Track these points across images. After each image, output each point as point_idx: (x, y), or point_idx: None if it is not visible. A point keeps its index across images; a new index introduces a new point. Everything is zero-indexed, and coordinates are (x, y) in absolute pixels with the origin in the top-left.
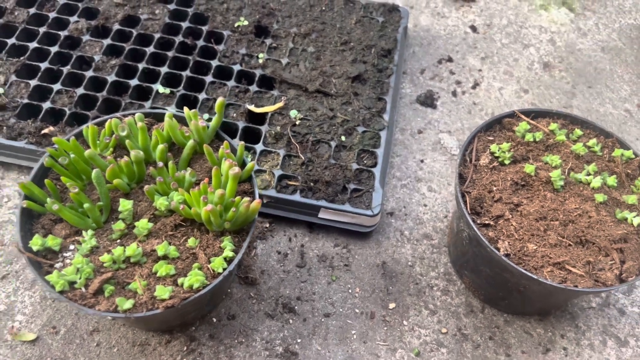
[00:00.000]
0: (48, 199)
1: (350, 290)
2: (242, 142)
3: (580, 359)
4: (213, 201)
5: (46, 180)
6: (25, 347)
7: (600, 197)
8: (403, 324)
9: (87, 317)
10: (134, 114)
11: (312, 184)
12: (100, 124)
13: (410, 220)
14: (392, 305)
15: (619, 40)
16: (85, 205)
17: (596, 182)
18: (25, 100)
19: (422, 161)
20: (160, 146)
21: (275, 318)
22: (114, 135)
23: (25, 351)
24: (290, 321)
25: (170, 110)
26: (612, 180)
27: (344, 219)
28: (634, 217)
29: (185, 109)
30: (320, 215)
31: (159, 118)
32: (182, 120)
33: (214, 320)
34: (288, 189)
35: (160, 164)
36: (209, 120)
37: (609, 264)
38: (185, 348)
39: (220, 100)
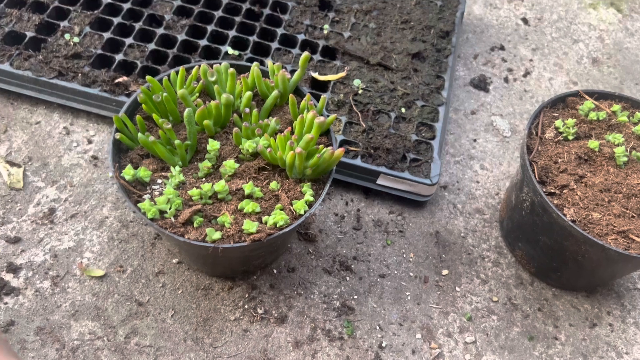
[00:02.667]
0: (139, 134)
1: (404, 255)
2: (325, 95)
3: (625, 335)
4: (301, 145)
5: (138, 117)
6: (93, 282)
7: None
8: (455, 290)
9: (153, 259)
10: (220, 63)
11: (372, 150)
12: (188, 70)
13: (462, 195)
14: (445, 272)
15: None
16: (176, 142)
17: None
18: (99, 51)
19: (474, 140)
20: (248, 93)
21: (333, 274)
22: (201, 81)
23: (93, 286)
24: (347, 278)
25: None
26: None
27: (401, 186)
28: None
29: (269, 62)
30: (379, 181)
31: (241, 70)
32: (263, 74)
33: (275, 271)
34: (349, 154)
35: (247, 109)
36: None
37: None
38: (247, 295)
39: (305, 54)
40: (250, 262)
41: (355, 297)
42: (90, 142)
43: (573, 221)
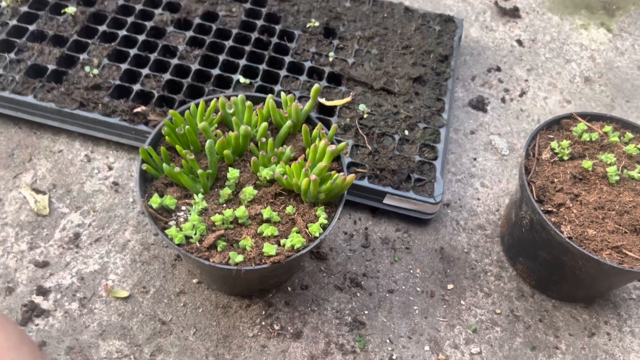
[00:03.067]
0: (164, 165)
1: (411, 271)
2: (335, 124)
3: (622, 344)
4: (315, 172)
5: (162, 148)
6: (118, 303)
7: None
8: (460, 304)
9: (174, 279)
10: (236, 96)
11: (378, 171)
12: (206, 103)
13: (465, 212)
14: (450, 286)
15: None
16: (199, 171)
17: None
18: (117, 82)
19: (475, 159)
20: (264, 124)
21: (344, 291)
22: (219, 113)
23: (118, 307)
24: (358, 294)
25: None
26: None
27: (407, 205)
28: None
29: (282, 94)
30: (385, 200)
31: (255, 101)
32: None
33: (289, 289)
34: (357, 175)
35: (264, 139)
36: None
37: None
38: (263, 312)
39: (316, 86)
40: (267, 281)
41: (366, 312)
42: (110, 168)
43: (570, 238)
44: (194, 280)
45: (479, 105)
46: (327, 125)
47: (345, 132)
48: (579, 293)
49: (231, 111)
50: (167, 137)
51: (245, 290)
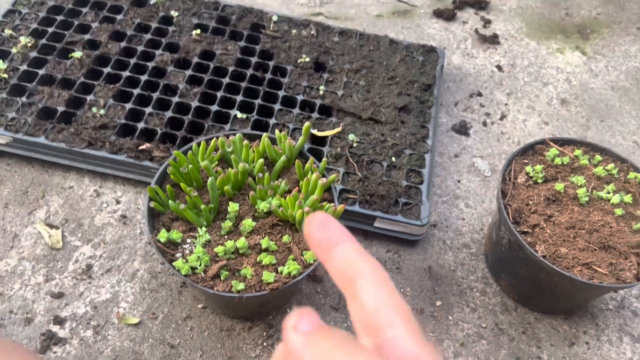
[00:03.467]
0: (170, 202)
1: (401, 289)
2: (325, 159)
3: (600, 352)
4: (307, 204)
5: (168, 186)
6: (130, 329)
7: (619, 211)
8: (448, 319)
9: (181, 305)
10: (234, 134)
11: (368, 197)
12: (206, 142)
13: (450, 232)
14: (438, 303)
15: (626, 81)
16: (202, 207)
17: (615, 199)
18: (123, 121)
19: (459, 181)
20: (260, 160)
21: (340, 311)
22: (219, 151)
23: (130, 333)
24: None
25: (246, 131)
26: (628, 198)
27: (396, 228)
28: None
29: (277, 132)
30: (376, 224)
31: (250, 138)
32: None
33: (288, 310)
34: (348, 201)
35: (260, 174)
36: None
37: (628, 265)
38: (264, 334)
39: (307, 124)
40: (267, 305)
41: None
42: (118, 202)
43: (544, 256)
44: (199, 306)
45: (462, 129)
46: (320, 154)
47: (337, 161)
48: (558, 306)
49: (230, 149)
50: (172, 176)
51: (247, 313)
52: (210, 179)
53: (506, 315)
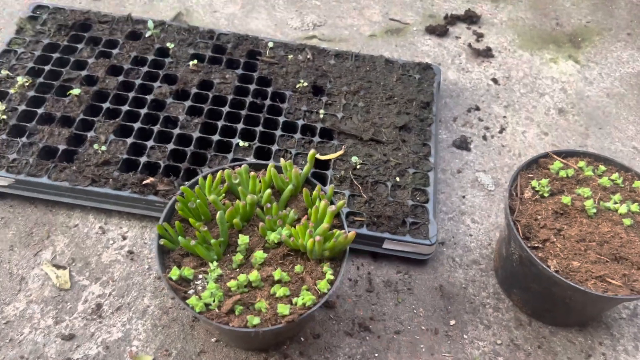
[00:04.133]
0: (180, 238)
1: (414, 311)
2: (332, 185)
3: None
4: (318, 233)
5: (177, 223)
6: None
7: (627, 221)
8: (463, 338)
9: (194, 340)
10: (240, 166)
11: (375, 218)
12: (212, 174)
13: (459, 249)
14: (452, 322)
15: (620, 87)
16: (212, 241)
17: (623, 209)
18: (125, 156)
19: (463, 197)
20: (268, 191)
21: (354, 336)
22: (226, 183)
23: None
24: (367, 338)
25: (249, 160)
26: (635, 207)
27: (405, 248)
28: None
29: (282, 160)
30: (385, 245)
31: (257, 168)
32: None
33: (302, 339)
34: (355, 223)
35: (268, 205)
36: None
37: None
38: None
39: (312, 152)
40: (281, 335)
41: (376, 354)
42: (124, 238)
43: (557, 271)
44: (213, 339)
45: (463, 144)
46: (324, 178)
47: (341, 184)
48: (572, 318)
49: (237, 181)
50: (180, 212)
51: (261, 345)
52: (219, 212)
53: (521, 330)
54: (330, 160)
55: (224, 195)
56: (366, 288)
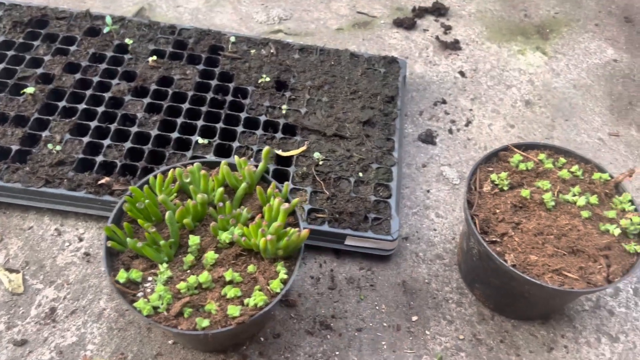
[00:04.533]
0: (128, 239)
1: (377, 307)
2: (287, 182)
3: (580, 355)
4: (270, 232)
5: (125, 224)
6: None
7: (585, 214)
8: (425, 334)
9: (150, 342)
10: (192, 164)
11: (337, 215)
12: (164, 173)
13: (423, 243)
14: (414, 318)
15: (587, 78)
16: (162, 242)
17: (581, 201)
18: (80, 155)
19: (428, 191)
20: (220, 189)
21: (315, 334)
22: (177, 182)
23: None
24: (328, 337)
25: (209, 158)
26: (594, 199)
27: (367, 244)
28: (615, 228)
29: (236, 157)
30: (347, 242)
31: (211, 166)
32: (230, 167)
33: (262, 339)
34: (317, 220)
35: (221, 204)
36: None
37: (598, 268)
38: None
39: (266, 149)
40: (240, 336)
41: (337, 352)
42: (81, 239)
43: (514, 265)
44: (170, 342)
45: (428, 138)
46: (286, 175)
47: (303, 180)
48: (534, 312)
49: (188, 180)
50: (129, 212)
51: (219, 346)
52: (168, 212)
53: (483, 325)
54: (292, 156)
55: (175, 195)
56: (328, 285)
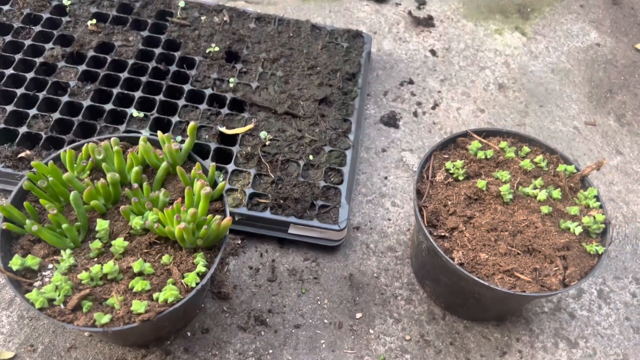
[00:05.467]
0: (27, 221)
1: (319, 302)
2: (213, 164)
3: None
4: (186, 219)
5: (25, 203)
6: None
7: (545, 209)
8: (369, 333)
9: (65, 334)
10: (109, 138)
11: (281, 201)
12: (77, 148)
13: (375, 234)
14: (358, 315)
15: (567, 62)
16: (64, 226)
17: (542, 195)
18: (2, 125)
19: (386, 178)
20: (135, 168)
21: (248, 330)
22: (90, 159)
23: None
24: (262, 333)
25: (144, 133)
26: (556, 193)
27: (312, 234)
28: (576, 226)
29: (159, 132)
30: (290, 230)
31: (134, 141)
32: (156, 144)
33: (188, 334)
34: (259, 206)
35: (135, 185)
36: (182, 142)
37: (554, 270)
38: None
39: (192, 124)
40: (159, 332)
41: (271, 351)
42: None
43: (461, 264)
44: (86, 334)
45: (391, 121)
46: (229, 155)
47: (248, 162)
48: (487, 313)
49: (101, 157)
50: (33, 191)
51: (139, 340)
52: (72, 193)
53: (433, 325)
54: (237, 135)
55: (88, 172)
56: (268, 277)
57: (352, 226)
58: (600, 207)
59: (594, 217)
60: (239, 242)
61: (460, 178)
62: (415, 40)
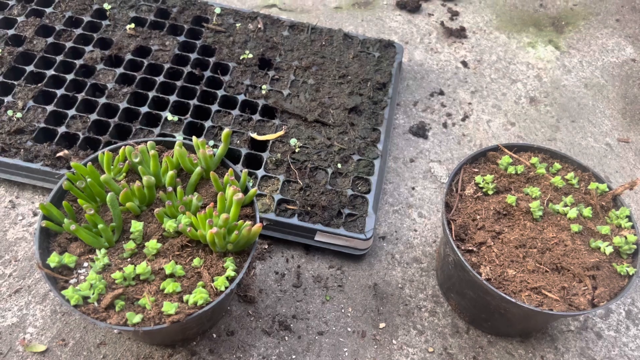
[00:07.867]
0: (65, 220)
1: (343, 310)
2: (246, 170)
3: None
4: (218, 224)
5: (64, 202)
6: (35, 358)
7: (575, 227)
8: (392, 343)
9: (95, 330)
10: (145, 142)
11: (309, 208)
12: (114, 150)
13: (401, 244)
14: (382, 325)
15: (601, 77)
16: (100, 226)
17: (572, 213)
18: (42, 125)
19: (413, 188)
20: (170, 172)
21: (272, 335)
22: (127, 161)
23: None
24: (286, 338)
25: (178, 137)
26: (587, 212)
27: (338, 242)
28: (607, 246)
29: (194, 138)
30: (317, 238)
31: (169, 145)
32: (190, 148)
33: (214, 335)
34: (287, 212)
35: (170, 188)
36: (215, 147)
37: (582, 289)
38: None
39: (226, 131)
40: (186, 332)
41: (294, 356)
42: (35, 214)
43: (488, 279)
44: (115, 331)
45: (420, 131)
46: (259, 161)
47: (277, 168)
48: (512, 329)
49: (137, 160)
50: (71, 191)
51: (166, 340)
52: (109, 194)
53: (456, 338)
54: (268, 141)
55: (124, 174)
56: (293, 283)
57: (378, 236)
58: (632, 227)
59: (626, 238)
60: (266, 246)
61: (490, 192)
62: (446, 51)
